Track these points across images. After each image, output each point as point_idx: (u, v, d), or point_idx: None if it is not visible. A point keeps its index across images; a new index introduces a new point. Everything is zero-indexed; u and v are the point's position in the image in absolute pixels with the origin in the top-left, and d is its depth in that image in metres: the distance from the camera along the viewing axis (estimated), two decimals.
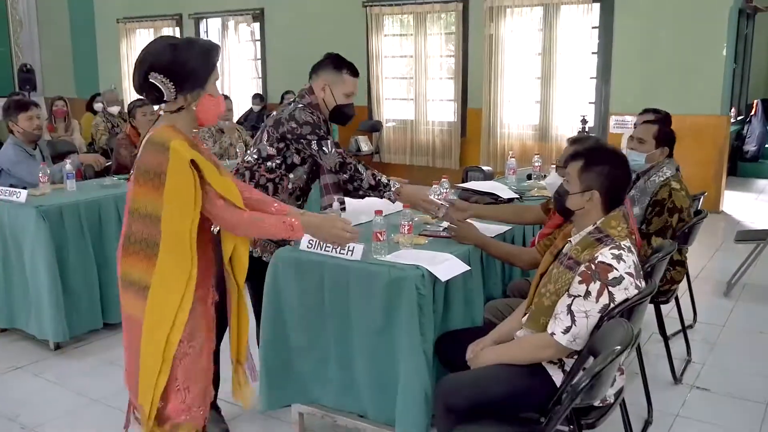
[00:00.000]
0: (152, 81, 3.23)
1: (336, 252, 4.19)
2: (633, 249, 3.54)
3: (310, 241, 4.29)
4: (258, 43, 15.95)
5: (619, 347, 2.95)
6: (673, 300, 5.67)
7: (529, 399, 3.58)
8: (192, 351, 3.35)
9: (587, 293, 3.38)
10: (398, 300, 3.95)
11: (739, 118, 14.45)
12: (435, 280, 4.00)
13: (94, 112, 12.72)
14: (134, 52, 17.98)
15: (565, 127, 12.24)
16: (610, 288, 3.36)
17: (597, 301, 3.37)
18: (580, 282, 3.42)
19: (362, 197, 4.80)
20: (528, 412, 3.62)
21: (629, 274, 3.40)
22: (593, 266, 3.40)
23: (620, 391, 3.67)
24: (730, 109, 12.01)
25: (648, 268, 4.37)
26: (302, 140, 4.61)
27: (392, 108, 14.49)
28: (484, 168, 10.36)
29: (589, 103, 12.34)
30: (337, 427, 4.53)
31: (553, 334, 3.47)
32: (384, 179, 4.69)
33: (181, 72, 3.24)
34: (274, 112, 4.79)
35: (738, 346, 6.17)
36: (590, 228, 3.59)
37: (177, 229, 3.21)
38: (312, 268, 4.25)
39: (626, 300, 3.38)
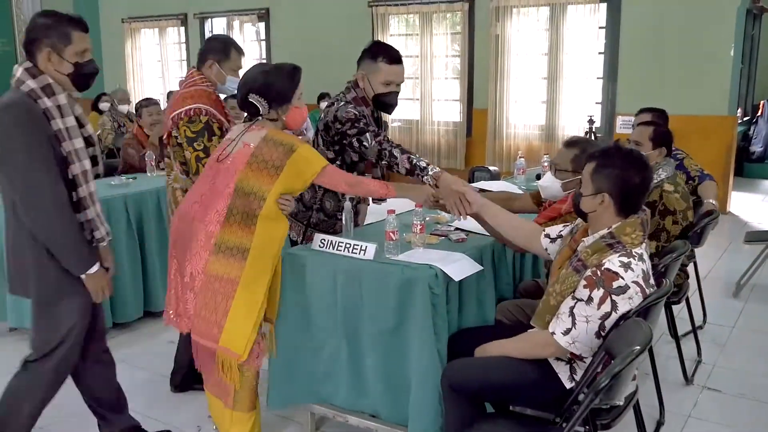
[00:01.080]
0: (251, 100, 4.10)
1: (348, 251, 4.20)
2: (645, 257, 3.52)
3: (322, 241, 4.31)
4: (263, 43, 16.00)
5: (638, 347, 2.95)
6: (684, 300, 5.66)
7: (532, 392, 3.61)
8: None
9: (590, 299, 3.38)
10: (411, 299, 3.94)
11: (745, 119, 14.44)
12: (448, 280, 3.99)
13: (100, 112, 12.70)
14: (139, 52, 18.09)
15: (572, 128, 12.25)
16: (614, 296, 3.33)
17: (599, 308, 3.35)
18: (584, 286, 3.41)
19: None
20: (530, 404, 3.67)
21: (636, 283, 3.37)
22: (599, 272, 3.38)
23: (633, 394, 3.67)
24: (737, 109, 11.99)
25: (662, 269, 4.37)
26: (346, 139, 4.71)
27: (398, 108, 14.16)
28: (491, 168, 10.37)
29: (596, 103, 12.35)
30: (349, 427, 4.51)
31: (553, 333, 3.48)
32: (422, 163, 4.44)
33: (271, 92, 4.08)
34: (322, 114, 4.91)
35: (748, 347, 6.16)
36: (604, 232, 3.56)
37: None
38: (324, 268, 4.24)
39: (629, 310, 3.35)
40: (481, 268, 4.17)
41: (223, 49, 4.90)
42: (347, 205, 4.64)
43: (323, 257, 4.27)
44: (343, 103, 4.79)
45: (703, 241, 5.61)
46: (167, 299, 4.35)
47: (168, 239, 4.44)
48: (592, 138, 11.52)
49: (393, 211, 4.30)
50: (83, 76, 3.86)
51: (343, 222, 4.64)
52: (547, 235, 4.04)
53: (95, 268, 3.91)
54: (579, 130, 11.95)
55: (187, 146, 4.71)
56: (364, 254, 4.15)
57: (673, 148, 6.49)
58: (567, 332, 3.43)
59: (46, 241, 3.74)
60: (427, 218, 4.80)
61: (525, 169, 7.09)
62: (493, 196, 5.12)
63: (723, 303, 7.28)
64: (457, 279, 3.97)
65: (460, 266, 4.05)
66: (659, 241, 5.21)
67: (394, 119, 14.22)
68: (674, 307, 5.56)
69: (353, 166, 4.92)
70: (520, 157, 7.25)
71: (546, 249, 4.02)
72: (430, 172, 4.40)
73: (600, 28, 12.06)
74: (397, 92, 4.99)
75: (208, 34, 16.86)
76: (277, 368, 4.43)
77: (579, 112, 12.26)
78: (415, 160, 4.47)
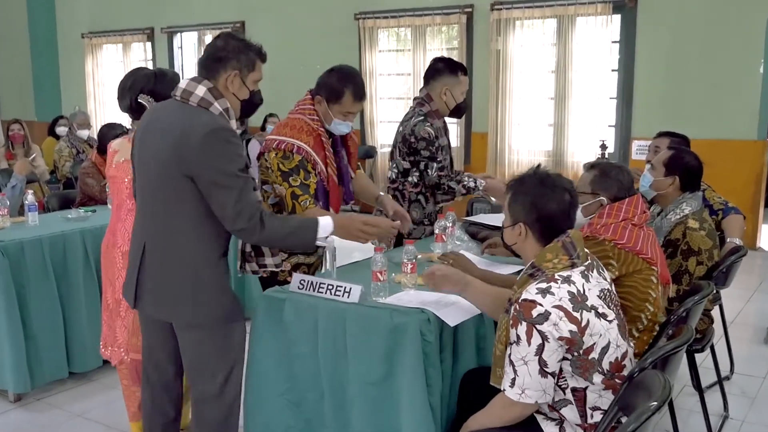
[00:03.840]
0: (141, 101, 4.64)
1: (331, 294, 4.17)
2: (576, 278, 3.48)
3: (302, 282, 4.28)
4: None
5: (655, 403, 2.92)
6: (708, 348, 5.61)
7: None
8: None
9: (518, 338, 3.37)
10: (401, 347, 3.91)
11: None
12: (442, 326, 3.96)
13: (57, 137, 12.65)
14: (101, 70, 18.09)
15: (582, 153, 12.22)
16: (537, 326, 3.32)
17: (529, 344, 3.34)
18: (511, 326, 3.42)
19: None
20: None
21: (558, 307, 3.34)
22: (518, 306, 3.40)
23: None
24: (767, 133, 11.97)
25: (683, 313, 4.34)
26: (417, 155, 5.84)
27: (388, 132, 14.31)
28: (492, 199, 10.28)
29: (609, 126, 12.35)
30: None
31: (504, 390, 3.48)
32: (471, 183, 5.83)
33: (161, 94, 4.43)
34: (400, 127, 6.08)
35: None
36: (528, 264, 3.62)
37: None
38: (304, 312, 4.22)
39: (562, 338, 3.32)
40: (480, 311, 4.14)
41: (337, 90, 4.99)
42: (330, 240, 4.63)
43: (303, 300, 4.25)
44: (421, 118, 5.90)
45: (730, 282, 5.59)
46: (102, 337, 5.21)
47: None
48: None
49: (381, 249, 4.28)
50: (254, 105, 4.21)
51: (324, 260, 4.64)
52: None
53: (326, 219, 4.16)
54: (590, 155, 11.88)
55: (281, 181, 4.88)
56: (348, 297, 4.12)
57: None
58: (513, 383, 3.42)
59: (283, 240, 4.18)
60: (419, 256, 4.76)
61: None
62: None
63: (752, 350, 7.24)
64: (452, 324, 3.95)
65: (455, 310, 4.04)
66: (681, 284, 5.17)
67: (383, 145, 14.19)
68: (697, 356, 5.49)
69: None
70: None
71: None
72: (480, 188, 5.85)
73: (613, 42, 12.11)
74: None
75: (177, 50, 16.96)
76: (252, 424, 4.41)
77: (590, 136, 12.24)
78: (467, 185, 5.83)
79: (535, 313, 3.32)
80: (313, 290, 4.24)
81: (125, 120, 5.50)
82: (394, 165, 6.06)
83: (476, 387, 3.95)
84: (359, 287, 4.12)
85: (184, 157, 3.75)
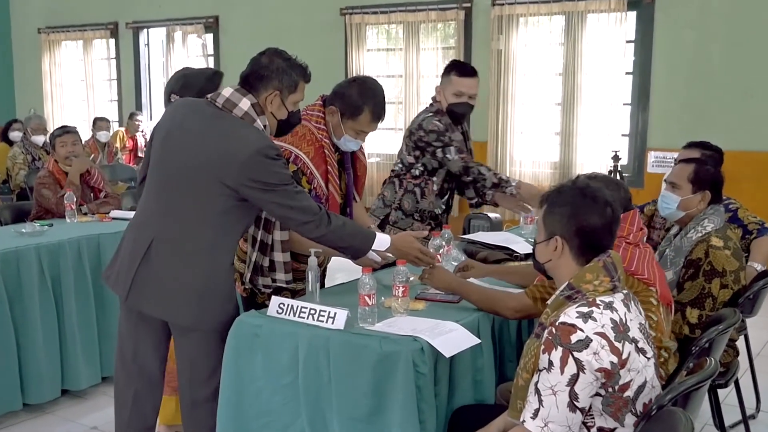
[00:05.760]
0: (172, 101, 5.13)
1: (313, 319, 4.15)
2: (618, 305, 3.48)
3: (281, 305, 4.27)
4: (211, 59, 16.01)
5: None
6: (732, 383, 5.58)
7: None
8: None
9: (550, 364, 3.34)
10: (391, 380, 3.90)
11: None
12: (437, 356, 3.96)
13: (10, 143, 12.60)
14: (59, 69, 18.05)
15: (592, 165, 12.12)
16: (575, 354, 3.29)
17: (562, 372, 3.31)
18: (543, 351, 3.39)
19: (487, 201, 6.59)
20: None
21: (600, 334, 3.32)
22: (554, 330, 3.37)
23: None
24: None
25: (706, 344, 4.31)
26: (429, 147, 6.38)
27: (376, 140, 14.00)
28: (491, 215, 10.23)
29: (622, 135, 12.33)
30: None
31: (523, 421, 3.43)
32: (504, 177, 6.42)
33: (190, 93, 4.92)
34: (411, 125, 6.61)
35: None
36: (564, 285, 3.58)
37: None
38: (283, 340, 4.21)
39: (601, 369, 3.30)
40: (479, 341, 4.15)
41: (356, 105, 5.04)
42: (312, 260, 4.62)
43: (282, 326, 4.25)
44: (430, 114, 6.45)
45: (757, 310, 5.56)
46: None
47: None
48: (617, 178, 11.38)
49: (369, 270, 4.27)
50: (290, 125, 4.64)
51: (307, 282, 4.62)
52: None
53: (384, 235, 4.74)
54: (601, 167, 11.84)
55: None
56: (332, 322, 4.12)
57: (724, 197, 6.35)
58: (536, 414, 3.38)
59: (343, 240, 4.55)
60: (411, 278, 4.74)
61: (534, 217, 7.01)
62: (519, 270, 5.17)
63: None
64: (448, 355, 3.94)
65: (452, 339, 4.03)
66: (703, 309, 5.12)
67: (372, 154, 14.09)
68: (720, 392, 5.47)
69: (434, 172, 6.54)
70: None
71: None
72: (512, 184, 6.31)
73: (628, 42, 12.06)
74: (468, 103, 6.61)
75: (143, 48, 16.95)
76: None
77: (601, 146, 12.22)
78: (499, 175, 6.41)
79: (574, 338, 3.30)
80: (294, 315, 4.24)
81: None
82: (400, 160, 6.66)
83: (468, 428, 3.92)
84: (345, 312, 4.12)
85: (228, 169, 4.19)
